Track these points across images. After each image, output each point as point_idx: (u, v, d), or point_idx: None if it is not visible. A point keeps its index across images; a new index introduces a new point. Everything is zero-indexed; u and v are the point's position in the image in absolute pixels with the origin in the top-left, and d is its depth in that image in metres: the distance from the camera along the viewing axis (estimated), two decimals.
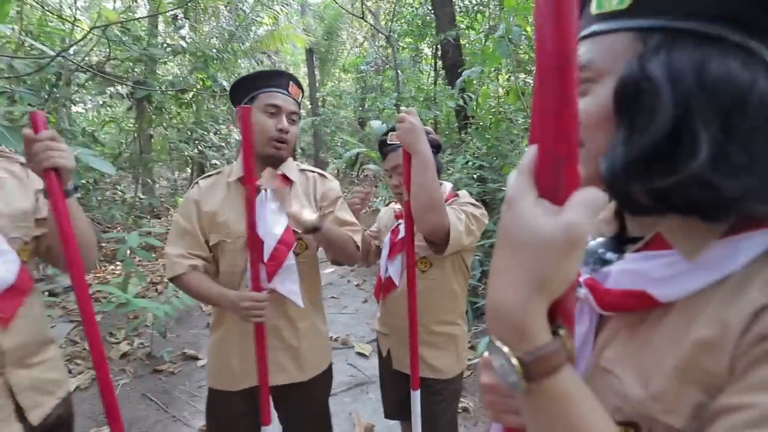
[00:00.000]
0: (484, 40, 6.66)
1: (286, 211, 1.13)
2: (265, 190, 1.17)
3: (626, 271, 0.41)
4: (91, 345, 0.95)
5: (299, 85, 1.27)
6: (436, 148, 1.37)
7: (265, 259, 1.14)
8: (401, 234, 1.35)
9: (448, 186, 1.42)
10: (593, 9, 0.42)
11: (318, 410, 1.36)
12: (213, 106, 6.55)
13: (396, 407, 1.55)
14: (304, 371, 1.26)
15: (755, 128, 0.33)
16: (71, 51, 3.89)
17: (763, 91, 0.33)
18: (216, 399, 1.26)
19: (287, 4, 9.35)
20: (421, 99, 6.78)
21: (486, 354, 0.39)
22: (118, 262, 4.37)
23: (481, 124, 3.67)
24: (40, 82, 3.75)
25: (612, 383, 0.40)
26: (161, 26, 5.97)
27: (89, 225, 1.08)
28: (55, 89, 3.94)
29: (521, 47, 3.64)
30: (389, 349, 1.45)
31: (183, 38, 5.30)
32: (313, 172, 1.36)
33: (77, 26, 4.11)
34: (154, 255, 3.53)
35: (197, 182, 1.27)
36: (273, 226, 1.15)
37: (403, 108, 1.09)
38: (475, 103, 3.63)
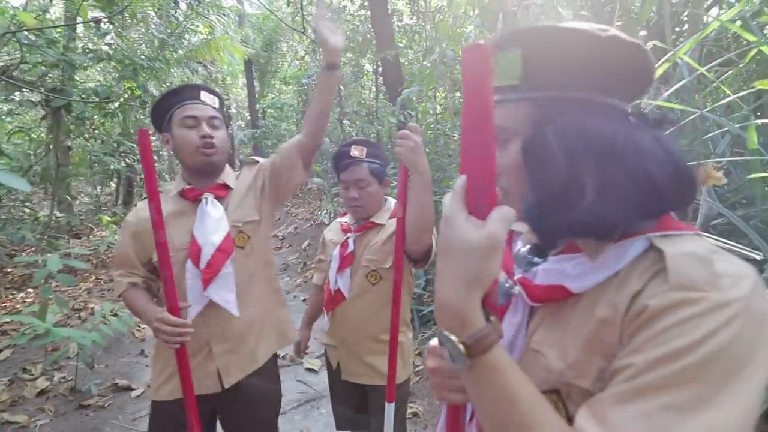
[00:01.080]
0: (421, 59, 7.03)
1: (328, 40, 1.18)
2: (206, 198, 1.19)
3: (549, 270, 0.52)
4: None
5: (212, 92, 1.26)
6: (384, 161, 1.47)
7: (202, 266, 1.14)
8: (350, 248, 1.41)
9: (392, 202, 1.50)
10: (496, 81, 0.54)
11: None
12: (142, 117, 6.14)
13: (347, 419, 1.58)
14: (257, 359, 1.26)
15: (624, 165, 0.44)
16: None
17: (623, 136, 0.45)
18: (158, 413, 1.23)
19: (224, 15, 9.08)
20: (363, 114, 6.94)
21: (433, 343, 0.49)
22: (29, 289, 3.90)
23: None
24: None
25: (540, 360, 0.50)
26: (80, 29, 5.52)
27: None
28: None
29: (456, 69, 3.92)
30: (338, 360, 1.48)
31: (109, 44, 4.94)
32: (239, 170, 1.36)
33: None
34: (75, 279, 3.21)
35: (136, 204, 1.28)
36: (212, 234, 1.16)
37: (411, 124, 1.09)
38: (415, 120, 3.83)
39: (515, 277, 0.56)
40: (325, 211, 5.90)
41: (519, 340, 0.55)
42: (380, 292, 1.38)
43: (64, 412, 2.34)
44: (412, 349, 1.54)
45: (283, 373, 2.72)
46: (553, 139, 0.45)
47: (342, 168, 1.41)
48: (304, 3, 7.84)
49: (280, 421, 2.29)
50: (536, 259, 0.56)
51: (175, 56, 6.76)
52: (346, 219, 1.56)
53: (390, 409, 1.27)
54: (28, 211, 5.23)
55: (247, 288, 1.23)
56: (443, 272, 0.41)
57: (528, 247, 0.58)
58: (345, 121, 6.26)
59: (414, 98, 4.10)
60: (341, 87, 6.98)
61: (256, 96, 13.09)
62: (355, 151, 1.40)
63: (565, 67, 0.48)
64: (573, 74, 0.47)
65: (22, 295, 3.79)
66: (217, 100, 1.25)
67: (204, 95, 1.22)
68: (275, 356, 1.36)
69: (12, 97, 4.40)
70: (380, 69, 7.56)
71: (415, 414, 2.18)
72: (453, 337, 0.40)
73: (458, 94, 4.60)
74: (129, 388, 2.57)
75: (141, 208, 1.24)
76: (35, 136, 5.48)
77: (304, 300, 4.23)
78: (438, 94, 5.87)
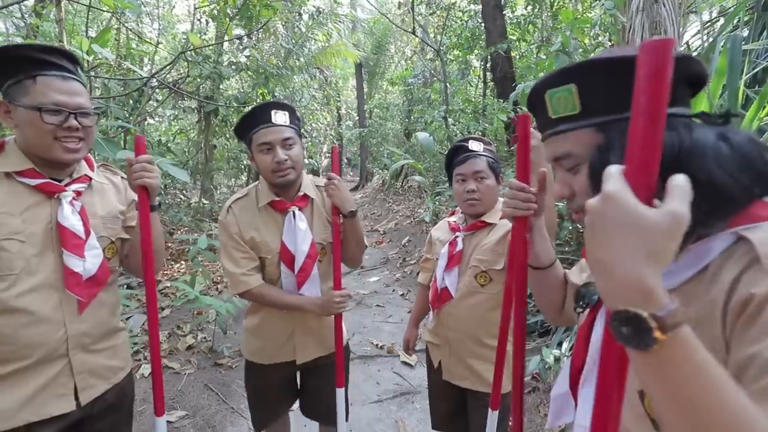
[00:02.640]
0: (536, 52, 6.57)
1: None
2: (292, 212, 1.36)
3: None
4: (151, 338, 1.14)
5: (283, 107, 1.34)
6: (498, 160, 1.43)
7: (296, 270, 1.37)
8: (459, 246, 1.40)
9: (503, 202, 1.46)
10: (551, 114, 0.60)
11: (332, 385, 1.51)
12: None
13: (445, 419, 1.57)
14: (326, 347, 1.49)
15: (690, 172, 0.42)
16: (152, 69, 4.35)
17: (687, 143, 0.48)
18: (252, 369, 1.51)
19: (340, 21, 9.76)
20: (469, 111, 6.79)
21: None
22: (182, 261, 4.76)
23: None
24: (125, 98, 4.23)
25: None
26: (227, 45, 6.48)
27: (162, 234, 1.27)
28: (138, 105, 4.42)
29: (578, 60, 3.57)
30: (440, 360, 1.49)
31: (247, 57, 5.72)
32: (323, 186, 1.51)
33: (159, 48, 4.58)
34: (216, 255, 3.82)
35: (230, 207, 1.41)
36: (302, 243, 1.36)
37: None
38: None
39: None
40: (425, 210, 5.94)
41: None
42: (489, 294, 1.34)
43: (204, 366, 2.81)
44: None
45: (380, 363, 2.87)
46: (616, 161, 0.45)
47: (459, 162, 1.40)
48: (415, 3, 7.97)
49: (376, 409, 2.40)
50: None
51: (297, 64, 7.50)
52: (454, 218, 1.56)
53: (493, 417, 1.23)
54: (182, 197, 6.38)
55: (323, 286, 1.45)
56: (612, 248, 0.39)
57: None
58: (450, 120, 6.20)
59: (527, 94, 3.86)
60: (447, 84, 6.93)
61: (365, 97, 13.79)
62: (474, 145, 1.39)
63: (618, 91, 0.51)
64: (626, 96, 0.45)
65: (178, 265, 4.65)
66: (287, 115, 1.34)
67: (275, 116, 1.31)
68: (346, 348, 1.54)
69: (178, 104, 5.40)
70: (489, 65, 7.31)
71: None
72: (642, 312, 0.37)
73: None
74: None
75: (237, 211, 1.40)
76: (191, 137, 6.65)
77: (402, 294, 4.34)
78: None
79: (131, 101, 4.38)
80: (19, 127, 1.01)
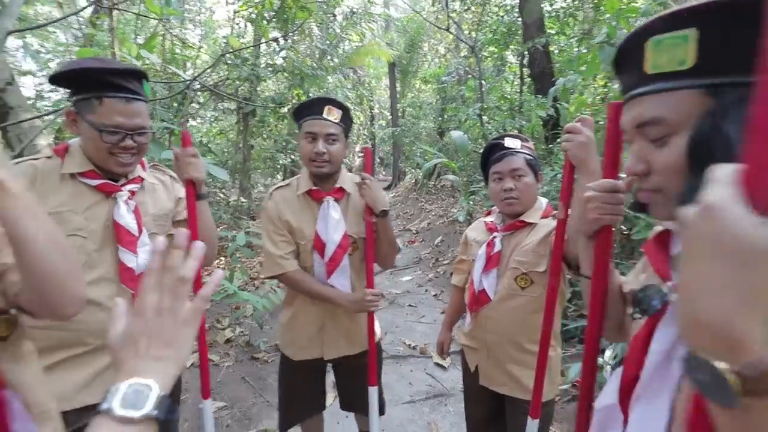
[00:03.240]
0: (576, 46, 6.28)
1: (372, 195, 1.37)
2: (327, 201, 1.41)
3: None
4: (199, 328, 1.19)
5: (339, 105, 1.41)
6: (537, 157, 1.37)
7: (326, 259, 1.40)
8: (497, 247, 1.35)
9: (544, 201, 1.39)
10: (648, 69, 0.48)
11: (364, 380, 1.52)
12: None
13: (480, 425, 1.53)
14: (355, 346, 1.51)
15: None
16: (194, 73, 4.55)
17: None
18: (284, 365, 1.56)
19: (373, 21, 9.78)
20: (505, 108, 6.60)
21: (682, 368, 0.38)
22: (221, 258, 4.94)
23: None
24: (169, 101, 4.45)
25: None
26: (263, 48, 6.67)
27: (214, 226, 1.32)
28: (181, 107, 4.63)
29: None
30: (477, 364, 1.44)
31: (283, 59, 5.85)
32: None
33: (201, 52, 4.78)
34: (253, 252, 3.93)
35: (272, 194, 1.49)
36: (333, 233, 1.40)
37: (582, 116, 0.96)
38: (566, 115, 3.44)
39: (672, 283, 0.50)
40: (459, 209, 5.84)
41: (677, 352, 0.49)
42: (531, 298, 1.29)
43: (242, 359, 2.89)
44: (559, 367, 1.39)
45: (412, 363, 2.84)
46: (734, 136, 0.36)
47: (495, 159, 1.35)
48: (449, 0, 7.86)
49: (409, 410, 2.37)
50: None
51: (331, 64, 7.60)
52: (491, 218, 1.51)
53: (533, 426, 1.18)
54: (222, 196, 6.63)
55: (355, 281, 1.47)
56: (702, 277, 0.30)
57: None
58: (484, 117, 6.06)
59: (568, 89, 3.69)
60: (482, 81, 6.77)
61: (397, 96, 13.77)
62: (510, 142, 1.34)
63: (747, 48, 0.37)
64: (753, 56, 0.34)
65: (216, 261, 4.84)
66: (340, 114, 1.41)
67: (327, 111, 1.39)
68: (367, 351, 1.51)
69: (218, 106, 5.62)
70: (526, 60, 7.08)
71: None
72: (719, 364, 0.30)
73: None
74: None
75: (278, 198, 1.47)
76: (230, 137, 6.91)
77: (435, 295, 4.29)
78: (597, 82, 5.18)
79: (175, 104, 4.60)
80: (83, 137, 1.08)
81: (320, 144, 1.37)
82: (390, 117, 14.36)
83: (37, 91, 7.29)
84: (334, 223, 1.40)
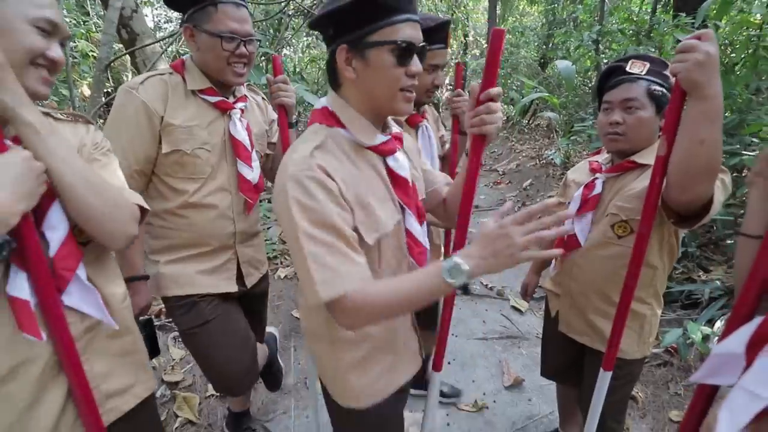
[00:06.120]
0: None
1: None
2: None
3: None
4: None
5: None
6: (669, 87, 1.13)
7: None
8: (597, 189, 1.21)
9: None
10: None
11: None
12: None
13: (555, 369, 1.52)
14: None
15: None
16: None
17: None
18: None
19: None
20: (629, 33, 5.50)
21: None
22: None
23: (726, 62, 2.72)
24: (264, 26, 4.54)
25: None
26: None
27: None
28: (277, 33, 4.71)
29: None
30: (558, 310, 1.38)
31: None
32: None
33: None
34: None
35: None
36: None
37: (702, 31, 0.80)
38: (721, 37, 2.73)
39: None
40: (555, 151, 5.31)
41: None
42: (627, 248, 1.14)
43: None
44: (655, 328, 1.27)
45: (488, 303, 2.85)
46: None
47: (610, 86, 1.15)
48: None
49: (480, 345, 2.41)
50: None
51: None
52: (598, 157, 1.34)
53: (605, 377, 1.13)
54: None
55: None
56: None
57: None
58: (601, 45, 5.16)
59: (715, 9, 2.89)
60: (606, 1, 5.66)
61: (497, 20, 12.29)
62: (634, 67, 1.11)
63: None
64: None
65: None
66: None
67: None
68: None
69: (311, 32, 5.60)
70: None
71: (633, 398, 1.90)
72: None
73: None
74: None
75: None
76: (322, 66, 6.93)
77: None
78: None
79: (272, 30, 4.69)
80: (200, 51, 1.13)
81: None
82: (485, 46, 13.03)
83: (155, 22, 7.99)
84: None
